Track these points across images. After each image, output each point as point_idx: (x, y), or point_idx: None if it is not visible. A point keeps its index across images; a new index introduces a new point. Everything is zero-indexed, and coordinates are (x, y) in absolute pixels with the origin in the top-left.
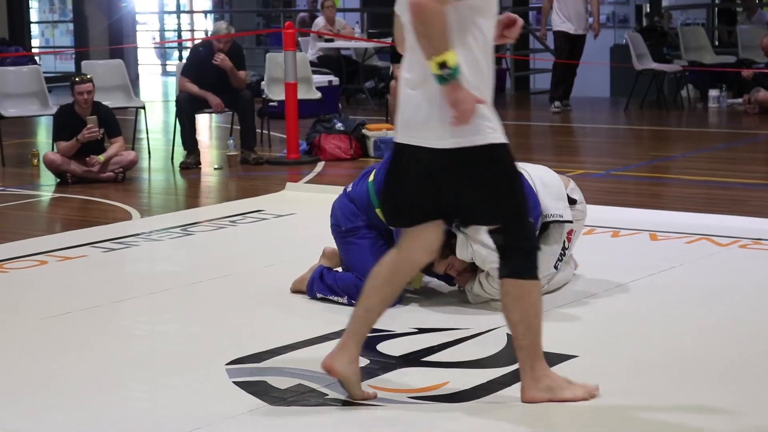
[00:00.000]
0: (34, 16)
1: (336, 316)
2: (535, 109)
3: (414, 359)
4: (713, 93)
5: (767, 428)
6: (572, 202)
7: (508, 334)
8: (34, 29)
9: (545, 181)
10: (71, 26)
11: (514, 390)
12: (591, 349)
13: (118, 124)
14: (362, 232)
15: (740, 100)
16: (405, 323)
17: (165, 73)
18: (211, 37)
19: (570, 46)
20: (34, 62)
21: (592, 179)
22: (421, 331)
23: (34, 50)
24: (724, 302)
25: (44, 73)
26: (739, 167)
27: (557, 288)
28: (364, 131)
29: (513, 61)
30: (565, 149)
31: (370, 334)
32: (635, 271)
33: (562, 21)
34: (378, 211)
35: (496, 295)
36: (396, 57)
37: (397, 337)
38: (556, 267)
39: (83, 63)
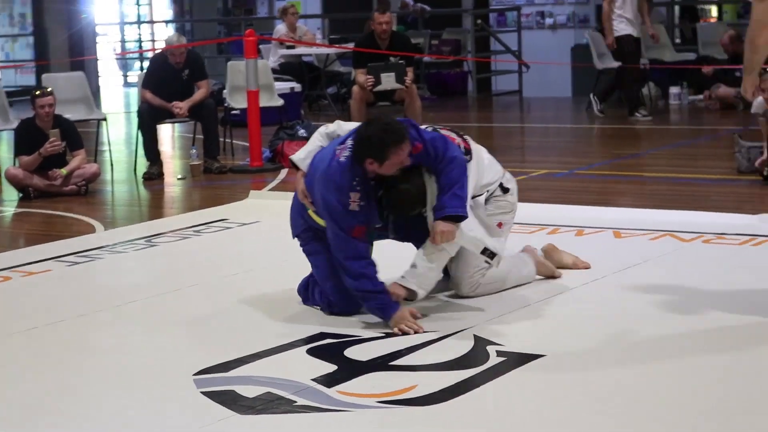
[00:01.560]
0: None
1: (302, 324)
2: (498, 110)
3: (381, 363)
4: (674, 90)
5: (734, 416)
6: (505, 191)
7: (474, 335)
8: None
9: (487, 160)
10: (31, 39)
11: (482, 391)
12: (557, 347)
13: (80, 136)
14: (306, 237)
15: (701, 96)
16: (371, 328)
17: (126, 84)
18: (166, 48)
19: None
20: None
21: (555, 179)
22: (388, 335)
23: None
24: (689, 297)
25: (4, 87)
26: (701, 163)
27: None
28: None
29: (475, 63)
30: (528, 149)
31: (336, 340)
32: (600, 269)
33: (626, 24)
34: (311, 213)
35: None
36: (358, 62)
37: (363, 342)
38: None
39: (44, 76)
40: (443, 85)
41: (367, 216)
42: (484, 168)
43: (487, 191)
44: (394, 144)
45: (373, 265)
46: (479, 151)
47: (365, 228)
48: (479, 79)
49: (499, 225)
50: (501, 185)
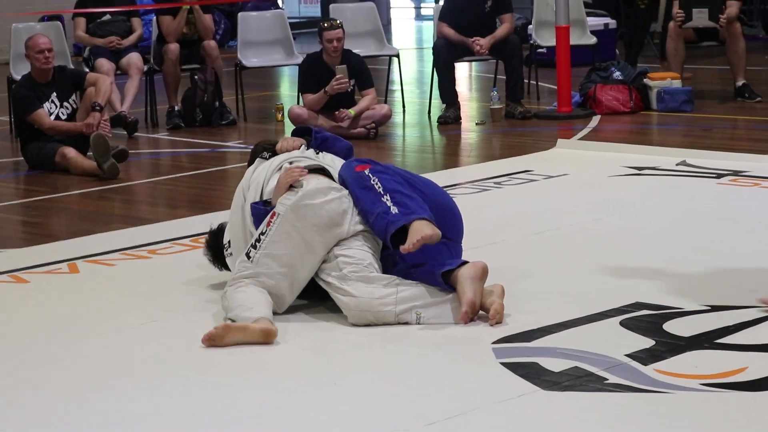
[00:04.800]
0: None
1: (615, 292)
2: None
3: (706, 340)
4: None
5: None
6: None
7: None
8: None
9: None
10: None
11: None
12: None
13: (370, 74)
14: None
15: None
16: (695, 299)
17: (419, 17)
18: None
19: None
20: (278, 6)
21: None
22: (714, 308)
23: None
24: None
25: (288, 18)
26: None
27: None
28: (645, 81)
29: None
30: None
31: (655, 312)
32: None
33: None
34: None
35: None
36: None
37: (686, 316)
38: None
39: (331, 7)
40: None
41: None
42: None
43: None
44: None
45: None
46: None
47: None
48: None
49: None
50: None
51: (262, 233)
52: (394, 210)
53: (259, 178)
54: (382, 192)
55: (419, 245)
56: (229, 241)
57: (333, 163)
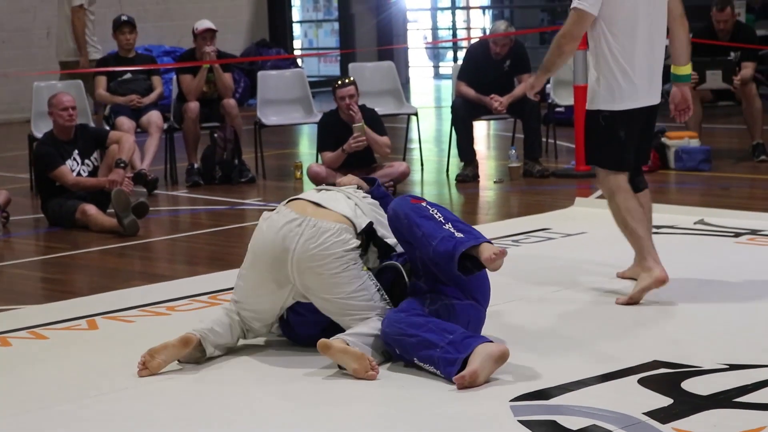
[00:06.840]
0: (296, 15)
1: (633, 350)
2: None
3: (725, 399)
4: None
5: None
6: None
7: None
8: (297, 29)
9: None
10: (336, 26)
11: None
12: None
13: (383, 124)
14: None
15: None
16: (714, 358)
17: (438, 75)
18: (487, 36)
19: None
20: (297, 65)
21: None
22: (733, 367)
23: (296, 52)
24: None
25: (308, 76)
26: None
27: None
28: (663, 140)
29: None
30: None
31: (672, 370)
32: None
33: None
34: None
35: None
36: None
37: (704, 374)
38: None
39: (350, 65)
40: None
41: None
42: None
43: None
44: None
45: None
46: None
47: None
48: None
49: None
50: None
51: None
52: (459, 234)
53: None
54: (443, 221)
55: (500, 257)
56: None
57: (368, 210)
